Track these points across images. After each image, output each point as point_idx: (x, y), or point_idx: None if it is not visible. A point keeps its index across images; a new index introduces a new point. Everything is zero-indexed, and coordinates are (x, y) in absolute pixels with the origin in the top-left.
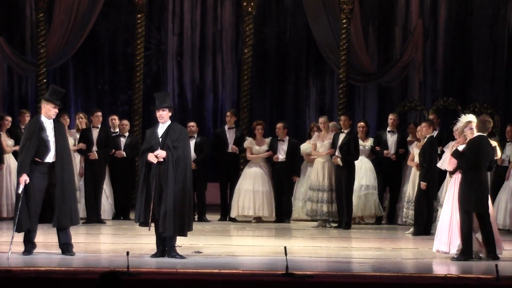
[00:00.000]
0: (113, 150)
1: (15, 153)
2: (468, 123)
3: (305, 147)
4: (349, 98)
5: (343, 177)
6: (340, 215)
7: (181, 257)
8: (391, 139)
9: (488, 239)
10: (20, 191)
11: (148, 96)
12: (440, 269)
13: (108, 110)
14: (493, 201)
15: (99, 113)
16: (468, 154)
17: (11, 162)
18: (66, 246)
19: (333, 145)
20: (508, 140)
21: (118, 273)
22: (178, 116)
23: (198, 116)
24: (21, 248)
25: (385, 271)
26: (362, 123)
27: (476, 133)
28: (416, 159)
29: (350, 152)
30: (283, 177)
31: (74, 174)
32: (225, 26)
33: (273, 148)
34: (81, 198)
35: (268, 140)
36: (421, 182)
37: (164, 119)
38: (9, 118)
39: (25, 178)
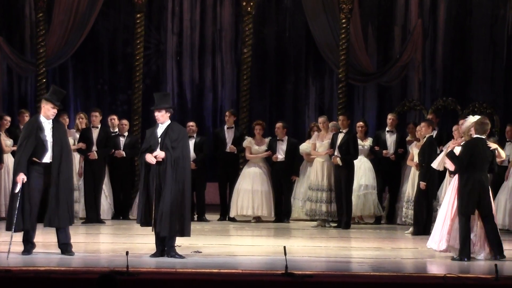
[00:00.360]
0: (113, 150)
1: (14, 153)
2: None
3: (304, 147)
4: (349, 98)
5: (342, 177)
6: (340, 215)
7: (181, 257)
8: (390, 139)
9: (494, 240)
10: (17, 190)
11: (148, 96)
12: (440, 269)
13: (108, 110)
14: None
15: (96, 113)
16: (462, 155)
17: (9, 162)
18: (65, 246)
19: (332, 145)
20: (507, 140)
21: (114, 276)
22: (178, 116)
23: (198, 116)
24: (21, 248)
25: (385, 271)
26: (361, 122)
27: (474, 135)
28: (416, 159)
29: (349, 152)
30: (282, 177)
31: (72, 174)
32: (224, 26)
33: (272, 148)
34: (81, 198)
35: (267, 140)
36: (421, 182)
37: (160, 120)
38: (8, 118)
39: (22, 177)
